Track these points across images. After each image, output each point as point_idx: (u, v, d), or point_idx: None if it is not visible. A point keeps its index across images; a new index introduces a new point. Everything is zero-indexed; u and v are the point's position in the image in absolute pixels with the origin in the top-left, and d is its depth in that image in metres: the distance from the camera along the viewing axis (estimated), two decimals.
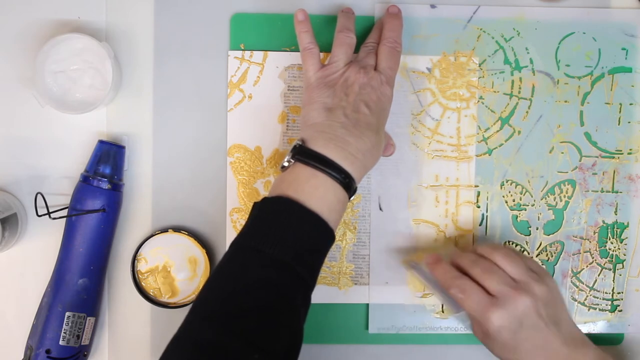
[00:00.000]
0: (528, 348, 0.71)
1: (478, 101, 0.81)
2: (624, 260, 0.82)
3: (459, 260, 0.74)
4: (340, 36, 0.75)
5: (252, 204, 0.68)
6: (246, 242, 0.66)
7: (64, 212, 0.76)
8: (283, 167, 0.69)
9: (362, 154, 0.69)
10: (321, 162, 0.67)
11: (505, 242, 0.81)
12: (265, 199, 0.67)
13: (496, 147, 0.81)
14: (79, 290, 0.75)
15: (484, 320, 0.71)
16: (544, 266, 0.79)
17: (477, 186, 0.81)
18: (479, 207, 0.81)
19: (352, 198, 0.70)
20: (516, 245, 0.81)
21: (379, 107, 0.72)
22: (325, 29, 0.79)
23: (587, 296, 0.82)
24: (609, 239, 0.82)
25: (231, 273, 0.65)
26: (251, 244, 0.65)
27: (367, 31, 0.80)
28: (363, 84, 0.72)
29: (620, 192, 0.82)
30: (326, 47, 0.79)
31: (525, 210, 0.81)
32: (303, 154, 0.68)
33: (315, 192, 0.66)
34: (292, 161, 0.68)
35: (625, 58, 0.81)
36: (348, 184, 0.68)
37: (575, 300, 0.82)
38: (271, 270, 0.64)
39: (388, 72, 0.74)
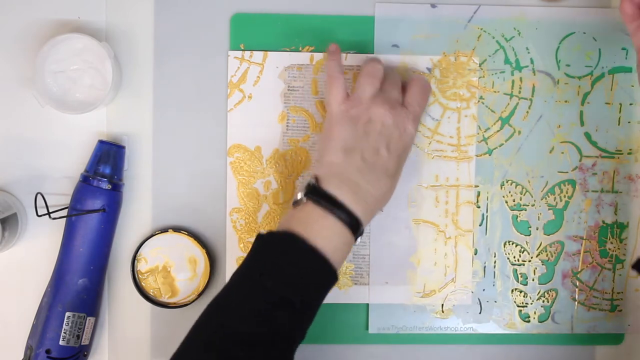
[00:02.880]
0: None
1: (478, 101, 0.81)
2: (624, 260, 0.82)
3: None
4: (368, 66, 0.74)
5: (255, 237, 0.69)
6: (248, 273, 0.67)
7: (64, 212, 0.76)
8: (295, 202, 0.69)
9: (374, 199, 0.70)
10: (333, 204, 0.68)
11: (505, 242, 0.81)
12: (272, 233, 0.68)
13: (496, 147, 0.81)
14: (79, 290, 0.75)
15: None
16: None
17: (477, 186, 0.81)
18: (479, 207, 0.81)
19: (358, 239, 0.70)
20: (516, 246, 0.81)
21: (400, 148, 0.72)
22: (326, 29, 0.79)
23: (587, 296, 0.82)
24: (609, 239, 0.82)
25: (229, 303, 0.66)
26: (253, 275, 0.66)
27: (367, 32, 0.80)
28: (386, 122, 0.71)
29: (620, 192, 0.82)
30: (323, 48, 0.79)
31: (525, 210, 0.81)
32: (316, 194, 0.68)
33: (323, 231, 0.67)
34: (305, 199, 0.68)
35: (625, 58, 0.81)
36: (356, 227, 0.68)
37: (575, 300, 0.82)
38: (270, 303, 0.64)
39: (416, 108, 0.74)
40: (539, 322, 0.81)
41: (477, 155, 0.81)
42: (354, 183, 0.69)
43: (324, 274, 0.67)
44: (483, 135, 0.81)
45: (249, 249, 0.69)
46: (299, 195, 0.69)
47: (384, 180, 0.70)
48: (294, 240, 0.66)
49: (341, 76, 0.74)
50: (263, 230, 0.69)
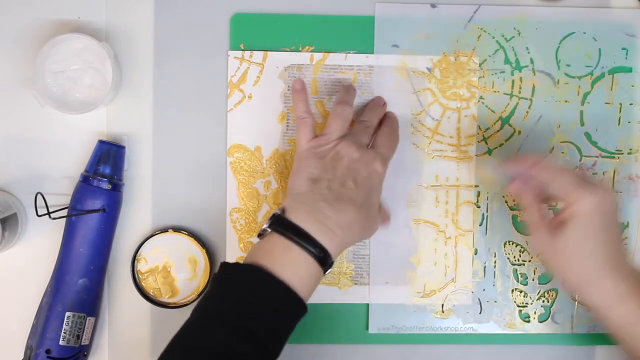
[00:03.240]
0: (604, 249, 0.68)
1: (478, 101, 0.81)
2: None
3: (533, 168, 0.72)
4: (338, 108, 0.75)
5: (219, 265, 0.68)
6: (212, 306, 0.66)
7: (64, 212, 0.76)
8: (260, 234, 0.69)
9: (341, 230, 0.68)
10: (297, 234, 0.67)
11: (505, 242, 0.81)
12: (237, 265, 0.67)
13: (496, 147, 0.81)
14: (79, 290, 0.75)
15: (578, 198, 0.68)
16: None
17: (477, 186, 0.81)
18: (479, 207, 0.81)
19: (328, 272, 0.69)
20: (516, 246, 0.81)
21: (368, 184, 0.71)
22: (326, 29, 0.80)
23: None
24: None
25: (194, 337, 0.65)
26: (217, 308, 0.65)
27: (367, 32, 0.80)
28: (354, 159, 0.72)
29: (620, 192, 0.82)
30: (323, 48, 0.79)
31: None
32: (280, 225, 0.68)
33: (288, 264, 0.66)
34: (270, 230, 0.68)
35: (626, 58, 0.81)
36: (323, 259, 0.67)
37: (575, 300, 0.82)
38: (234, 337, 0.63)
39: (384, 151, 0.74)
40: (539, 322, 0.81)
41: (477, 155, 0.81)
42: (319, 212, 0.68)
43: (291, 305, 0.66)
44: (483, 135, 0.81)
45: (211, 279, 0.67)
46: (264, 226, 0.68)
47: (351, 209, 0.69)
48: (257, 272, 0.65)
49: (309, 117, 0.75)
50: (229, 261, 0.68)
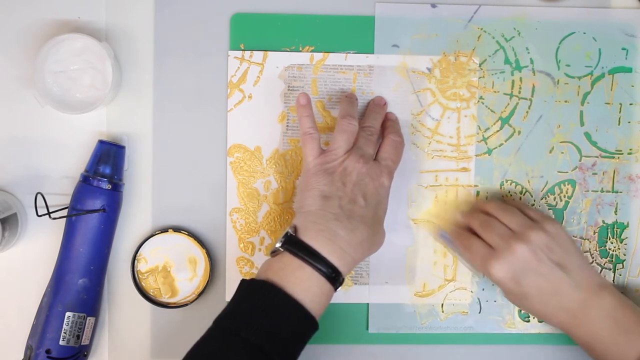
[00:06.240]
0: (537, 294, 0.72)
1: (478, 101, 0.81)
2: (624, 260, 0.82)
3: (466, 220, 0.77)
4: (343, 123, 0.75)
5: (239, 282, 0.69)
6: (225, 323, 0.67)
7: (64, 212, 0.76)
8: (273, 252, 0.69)
9: (352, 248, 0.69)
10: (309, 254, 0.67)
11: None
12: (252, 281, 0.68)
13: (496, 147, 0.81)
14: (79, 290, 0.75)
15: (487, 273, 0.73)
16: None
17: (477, 186, 0.81)
18: None
19: (338, 289, 0.70)
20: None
21: (376, 199, 0.72)
22: (326, 29, 0.80)
23: None
24: (609, 239, 0.82)
25: (206, 353, 0.65)
26: (230, 325, 0.66)
27: (367, 32, 0.80)
28: (362, 173, 0.72)
29: (620, 192, 0.82)
30: (324, 47, 0.79)
31: None
32: (293, 244, 0.68)
33: (300, 283, 0.67)
34: (282, 249, 0.68)
35: (625, 58, 0.81)
36: (334, 278, 0.68)
37: None
38: (245, 354, 0.64)
39: (389, 163, 0.75)
40: (539, 321, 0.81)
41: (476, 155, 0.81)
42: (332, 231, 0.69)
43: (302, 322, 0.67)
44: (483, 135, 0.81)
45: (234, 293, 0.69)
46: (277, 245, 0.69)
47: (361, 227, 0.70)
48: (270, 289, 0.66)
49: (315, 132, 0.75)
50: (245, 277, 0.69)
